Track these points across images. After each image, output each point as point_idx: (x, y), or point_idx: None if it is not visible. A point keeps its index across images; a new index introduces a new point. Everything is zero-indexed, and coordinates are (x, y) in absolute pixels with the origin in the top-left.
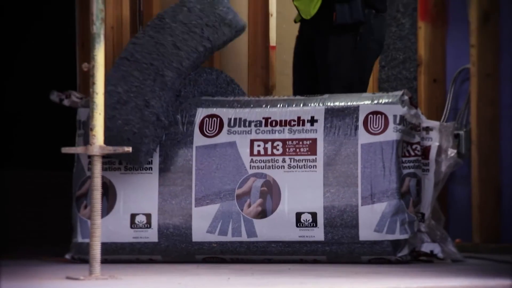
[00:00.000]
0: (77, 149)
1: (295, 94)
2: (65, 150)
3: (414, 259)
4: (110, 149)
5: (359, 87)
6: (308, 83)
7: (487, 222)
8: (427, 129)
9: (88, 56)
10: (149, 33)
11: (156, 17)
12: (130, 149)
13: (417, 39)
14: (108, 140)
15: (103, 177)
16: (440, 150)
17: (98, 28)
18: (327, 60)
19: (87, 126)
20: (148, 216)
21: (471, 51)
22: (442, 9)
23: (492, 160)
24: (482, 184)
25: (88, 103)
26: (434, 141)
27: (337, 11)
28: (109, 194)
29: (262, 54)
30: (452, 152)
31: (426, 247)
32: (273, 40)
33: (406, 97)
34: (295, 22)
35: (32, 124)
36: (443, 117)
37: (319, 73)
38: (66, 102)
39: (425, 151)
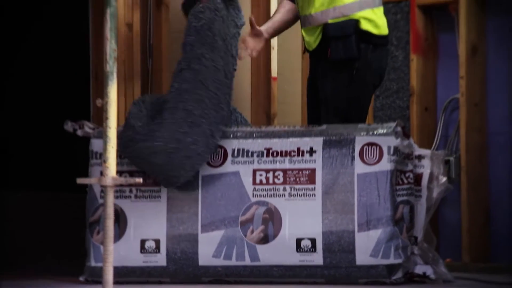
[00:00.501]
0: (91, 180)
1: (308, 120)
2: (80, 180)
3: (407, 281)
4: (122, 180)
5: (357, 119)
6: (317, 110)
7: (476, 243)
8: (419, 157)
9: (102, 87)
10: (206, 53)
11: (197, 20)
12: (140, 180)
13: (409, 71)
14: (174, 152)
15: (114, 205)
16: (431, 177)
17: (111, 67)
18: (326, 93)
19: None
20: (157, 241)
21: (460, 82)
22: (433, 43)
23: (481, 185)
24: (471, 208)
25: (101, 134)
26: (426, 169)
27: (331, 47)
28: (120, 221)
29: (264, 85)
30: (443, 179)
31: (419, 269)
32: (274, 72)
33: (399, 128)
34: (303, 53)
35: (48, 147)
36: (434, 144)
37: (320, 104)
38: (79, 132)
39: (418, 178)
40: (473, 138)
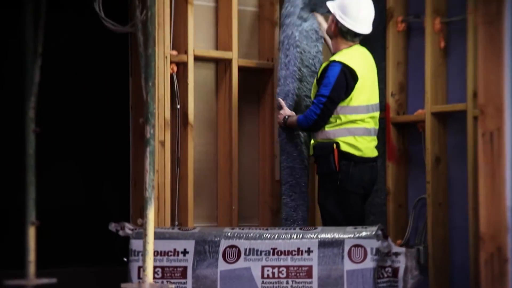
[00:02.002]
0: (133, 285)
1: None
2: (124, 285)
3: None
4: (158, 286)
5: (344, 221)
6: None
7: None
8: (396, 253)
9: (139, 193)
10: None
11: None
12: (173, 286)
13: (385, 175)
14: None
15: None
16: (406, 271)
17: (150, 193)
18: (320, 198)
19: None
20: None
21: (427, 186)
22: (404, 153)
23: (444, 269)
24: None
25: (139, 235)
26: (401, 264)
27: (317, 163)
28: None
29: (270, 186)
30: (415, 272)
31: None
32: (277, 176)
33: (380, 232)
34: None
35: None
36: (406, 234)
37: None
38: (121, 233)
39: (395, 271)
40: (438, 231)
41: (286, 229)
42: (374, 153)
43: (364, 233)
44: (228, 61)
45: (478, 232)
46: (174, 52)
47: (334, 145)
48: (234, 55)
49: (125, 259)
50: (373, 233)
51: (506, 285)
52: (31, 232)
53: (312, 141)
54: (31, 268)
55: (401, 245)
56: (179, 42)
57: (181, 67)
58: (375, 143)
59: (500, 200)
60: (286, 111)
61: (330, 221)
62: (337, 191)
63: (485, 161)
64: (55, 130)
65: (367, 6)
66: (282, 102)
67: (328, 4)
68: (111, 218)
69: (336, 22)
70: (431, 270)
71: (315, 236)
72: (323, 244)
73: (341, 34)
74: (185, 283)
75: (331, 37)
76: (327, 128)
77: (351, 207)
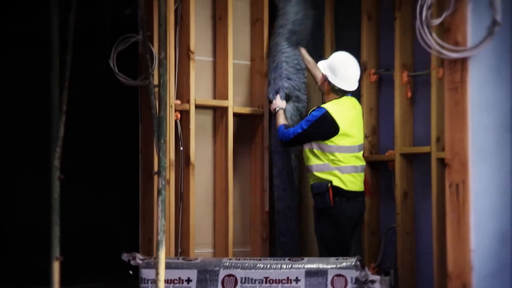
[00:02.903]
0: None
1: None
2: None
3: None
4: None
5: (338, 249)
6: None
7: None
8: (372, 281)
9: (148, 225)
10: None
11: None
12: None
13: None
14: None
15: None
16: None
17: (161, 237)
18: (317, 229)
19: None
20: None
21: (396, 217)
22: (377, 187)
23: None
24: None
25: (148, 265)
26: None
27: (315, 200)
28: None
29: (260, 216)
30: None
31: None
32: (267, 207)
33: (358, 263)
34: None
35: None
36: (378, 258)
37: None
38: (133, 262)
39: None
40: (406, 256)
41: (277, 259)
42: (361, 187)
43: (344, 264)
44: (225, 109)
45: (442, 258)
46: (178, 102)
47: (329, 184)
48: (229, 103)
49: (131, 272)
50: (353, 264)
51: None
52: (56, 266)
53: (310, 179)
54: None
55: (374, 268)
56: (182, 92)
57: (184, 114)
58: (361, 178)
59: (465, 244)
60: (278, 103)
61: (325, 247)
62: (332, 223)
63: (452, 209)
64: (77, 169)
65: (354, 66)
66: (277, 95)
67: (319, 64)
68: (123, 244)
69: (327, 81)
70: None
71: (302, 267)
72: (309, 273)
73: (332, 91)
74: None
75: (323, 93)
76: (320, 163)
77: (343, 236)
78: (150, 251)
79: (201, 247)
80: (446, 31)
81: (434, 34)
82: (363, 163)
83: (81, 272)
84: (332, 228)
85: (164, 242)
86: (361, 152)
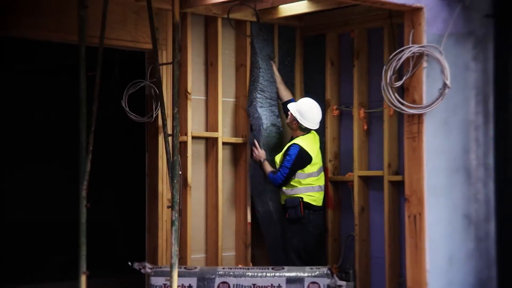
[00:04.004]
0: None
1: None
2: None
3: None
4: None
5: (305, 254)
6: None
7: None
8: (339, 286)
9: (153, 238)
10: None
11: None
12: None
13: (325, 217)
14: None
15: None
16: None
17: (175, 260)
18: (288, 237)
19: None
20: None
21: (355, 227)
22: (338, 202)
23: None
24: None
25: (157, 273)
26: None
27: (288, 212)
28: None
29: (243, 227)
30: None
31: None
32: (249, 219)
33: (329, 271)
34: None
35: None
36: (340, 261)
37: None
38: (142, 271)
39: None
40: (362, 259)
41: (262, 268)
42: (322, 203)
43: (318, 273)
44: (215, 139)
45: (392, 262)
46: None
47: (300, 199)
48: (219, 134)
49: (129, 263)
50: (324, 272)
51: None
52: (83, 279)
53: (283, 196)
54: None
55: (336, 268)
56: (180, 126)
57: (182, 144)
58: (322, 196)
59: (421, 265)
60: (261, 154)
61: (295, 254)
62: (301, 230)
63: (410, 235)
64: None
65: (318, 111)
66: (257, 144)
67: (290, 107)
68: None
69: (296, 121)
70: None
71: (283, 275)
72: (289, 281)
73: (300, 128)
74: None
75: (291, 129)
76: (293, 187)
77: (310, 243)
78: (155, 259)
79: (196, 253)
80: (405, 91)
81: (396, 94)
82: (323, 183)
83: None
84: (302, 235)
85: (177, 265)
86: (322, 174)
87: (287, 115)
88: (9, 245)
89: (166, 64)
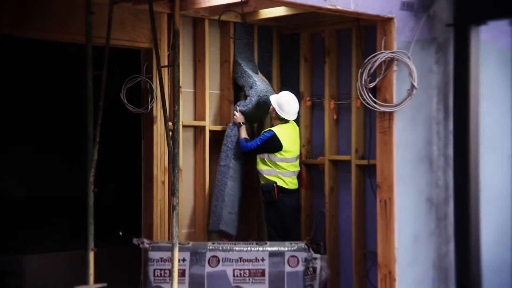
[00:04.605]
0: None
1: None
2: None
3: None
4: None
5: (282, 230)
6: None
7: None
8: (315, 258)
9: (148, 215)
10: None
11: None
12: None
13: (299, 196)
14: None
15: None
16: (321, 269)
17: (176, 240)
18: (266, 217)
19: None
20: None
21: (325, 204)
22: (310, 183)
23: (336, 257)
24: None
25: (154, 248)
26: (318, 265)
27: (264, 196)
28: None
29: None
30: (326, 269)
31: None
32: None
33: (306, 246)
34: None
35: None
36: (311, 234)
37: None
38: (141, 246)
39: (314, 270)
40: (332, 233)
41: (247, 243)
42: (296, 186)
43: (296, 247)
44: (203, 127)
45: (358, 235)
46: (170, 123)
47: (274, 184)
48: (206, 123)
49: (120, 233)
50: (302, 247)
51: None
52: (91, 256)
53: (260, 177)
54: (91, 279)
55: (308, 240)
56: (172, 116)
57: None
58: (296, 180)
59: (390, 243)
60: (241, 118)
61: (273, 230)
62: (277, 211)
63: (381, 217)
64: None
65: (295, 104)
66: (238, 108)
67: (271, 98)
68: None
69: (275, 112)
70: (327, 257)
71: (266, 249)
72: (271, 254)
73: (279, 118)
74: (184, 280)
75: (271, 118)
76: (269, 169)
77: (285, 221)
78: (150, 234)
79: (186, 228)
80: (378, 91)
81: (370, 94)
82: (298, 169)
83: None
84: (277, 215)
85: (177, 245)
86: (297, 161)
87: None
88: (8, 218)
89: (167, 66)
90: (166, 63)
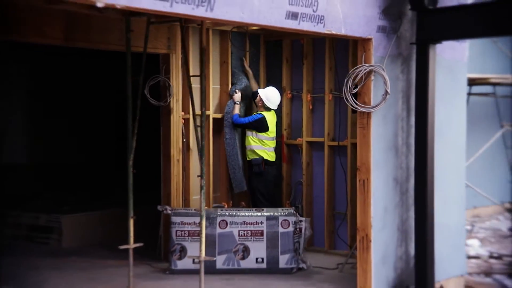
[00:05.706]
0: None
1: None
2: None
3: (297, 270)
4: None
5: (268, 196)
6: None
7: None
8: (300, 221)
9: (166, 188)
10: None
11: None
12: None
13: (281, 169)
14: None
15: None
16: (305, 229)
17: (203, 213)
18: (253, 185)
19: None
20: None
21: (303, 176)
22: (290, 159)
23: (311, 218)
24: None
25: (176, 213)
26: (303, 225)
27: (253, 168)
28: (183, 251)
29: (227, 177)
30: (309, 229)
31: (301, 265)
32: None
33: (294, 212)
34: None
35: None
36: (291, 198)
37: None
38: (164, 212)
39: (301, 230)
40: (308, 198)
41: (249, 210)
42: (275, 159)
43: (287, 212)
44: (208, 116)
45: (329, 200)
46: (183, 113)
47: (261, 158)
48: (211, 112)
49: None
50: (292, 212)
51: (369, 254)
52: (131, 222)
53: (249, 152)
54: (131, 240)
55: (288, 204)
56: (184, 107)
57: (187, 120)
58: (275, 154)
59: (367, 213)
60: (238, 97)
61: (261, 196)
62: (263, 180)
63: (360, 193)
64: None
65: (279, 97)
66: (237, 89)
67: (260, 91)
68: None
69: (262, 102)
70: (305, 217)
71: (263, 214)
72: (268, 218)
73: (264, 106)
74: (199, 239)
75: (257, 106)
76: (258, 145)
77: (270, 188)
78: (168, 203)
79: (195, 195)
80: (358, 95)
81: (353, 97)
82: (275, 145)
83: (107, 200)
84: (263, 184)
85: (204, 217)
86: (275, 140)
87: (255, 98)
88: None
89: (196, 76)
90: (180, 64)
